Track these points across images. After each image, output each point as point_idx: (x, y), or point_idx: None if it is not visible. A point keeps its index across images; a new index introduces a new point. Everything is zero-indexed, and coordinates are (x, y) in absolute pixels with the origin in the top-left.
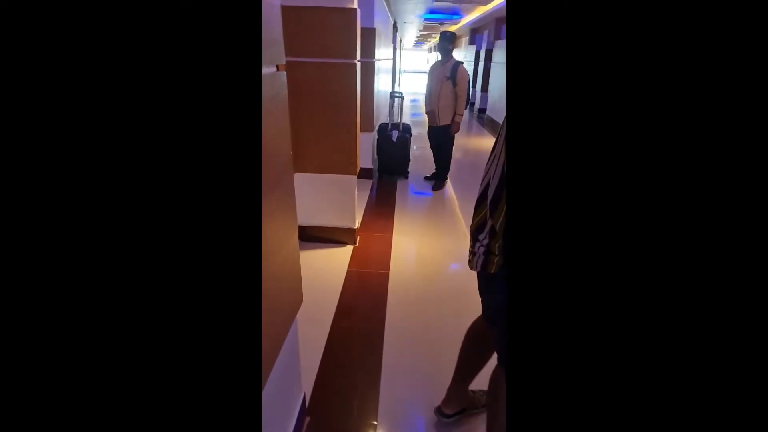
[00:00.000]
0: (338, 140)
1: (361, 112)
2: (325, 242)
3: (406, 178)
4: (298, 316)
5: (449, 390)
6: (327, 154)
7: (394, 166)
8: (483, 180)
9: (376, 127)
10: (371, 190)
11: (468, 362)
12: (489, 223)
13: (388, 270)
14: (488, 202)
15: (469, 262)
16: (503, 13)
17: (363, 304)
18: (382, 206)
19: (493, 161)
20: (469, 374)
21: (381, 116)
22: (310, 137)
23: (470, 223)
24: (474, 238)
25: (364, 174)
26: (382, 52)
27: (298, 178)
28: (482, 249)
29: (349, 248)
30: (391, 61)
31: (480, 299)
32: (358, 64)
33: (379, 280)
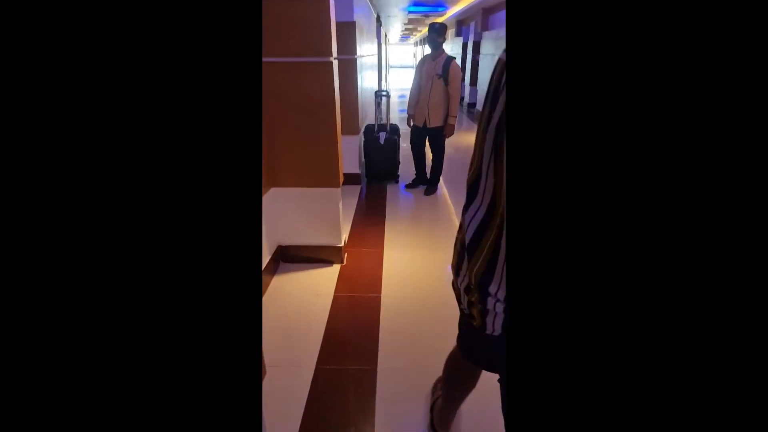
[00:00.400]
0: (317, 149)
1: (344, 113)
2: (309, 262)
3: (397, 182)
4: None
5: (439, 412)
6: (306, 165)
7: (383, 170)
8: (475, 207)
9: (362, 129)
10: (359, 197)
11: (453, 397)
12: None
13: (380, 293)
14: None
15: (472, 318)
16: (490, 3)
17: (352, 339)
18: (371, 215)
19: (485, 181)
20: (458, 404)
21: (367, 117)
22: (286, 147)
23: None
24: (480, 291)
25: (352, 180)
26: (366, 48)
27: (275, 193)
28: (501, 306)
29: (336, 268)
30: (376, 56)
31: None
32: (335, 62)
33: (369, 305)
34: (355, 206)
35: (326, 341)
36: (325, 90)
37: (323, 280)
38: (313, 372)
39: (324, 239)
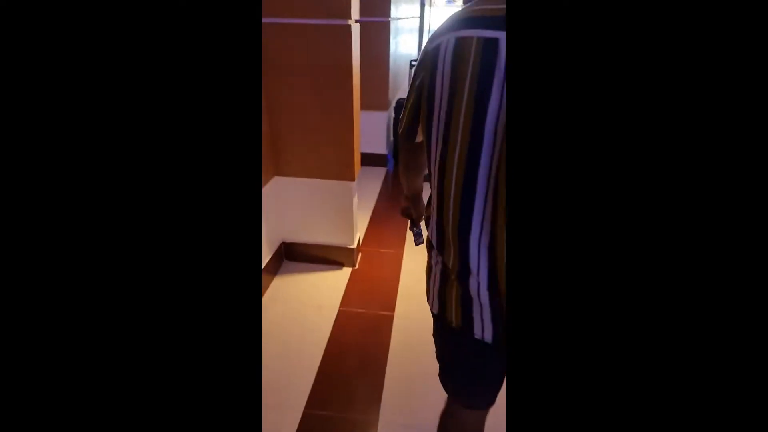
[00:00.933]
0: (329, 135)
1: (373, 84)
2: (317, 263)
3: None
4: None
5: None
6: (315, 152)
7: None
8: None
9: (393, 104)
10: (384, 181)
11: None
12: None
13: (393, 310)
14: None
15: (446, 319)
16: None
17: (352, 373)
18: (395, 204)
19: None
20: None
21: (399, 89)
22: (291, 130)
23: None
24: (461, 238)
25: (376, 161)
26: (404, 10)
27: (279, 182)
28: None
29: (347, 272)
30: (418, 20)
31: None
32: (356, 27)
33: (379, 327)
34: (377, 192)
35: (320, 374)
36: (340, 61)
37: (329, 287)
38: (300, 417)
39: (334, 239)
